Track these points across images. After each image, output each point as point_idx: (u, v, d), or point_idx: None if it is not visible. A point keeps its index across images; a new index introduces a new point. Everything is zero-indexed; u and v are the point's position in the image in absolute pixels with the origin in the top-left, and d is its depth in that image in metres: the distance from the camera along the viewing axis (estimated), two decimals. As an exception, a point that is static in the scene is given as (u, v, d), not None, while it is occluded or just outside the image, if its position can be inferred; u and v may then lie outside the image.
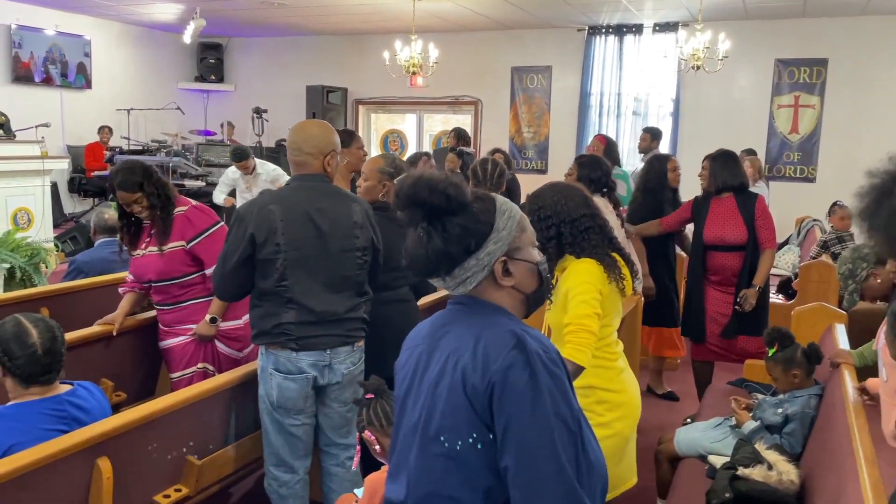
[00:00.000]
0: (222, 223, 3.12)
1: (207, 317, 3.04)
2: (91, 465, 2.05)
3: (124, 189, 2.99)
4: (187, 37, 9.58)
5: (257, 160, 6.22)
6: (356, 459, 2.21)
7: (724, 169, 3.86)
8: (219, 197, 6.75)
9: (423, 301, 3.44)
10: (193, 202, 3.17)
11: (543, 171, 9.90)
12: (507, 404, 1.25)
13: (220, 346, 3.13)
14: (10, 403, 2.02)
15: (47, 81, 9.50)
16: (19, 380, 2.01)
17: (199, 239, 3.05)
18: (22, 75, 9.15)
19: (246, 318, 3.11)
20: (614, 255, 2.62)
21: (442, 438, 1.32)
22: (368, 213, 2.67)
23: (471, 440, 1.29)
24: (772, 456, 2.34)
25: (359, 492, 2.28)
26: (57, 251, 5.94)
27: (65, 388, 2.12)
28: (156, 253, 3.04)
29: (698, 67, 7.01)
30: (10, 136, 6.32)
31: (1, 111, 6.49)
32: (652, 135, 6.75)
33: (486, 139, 10.05)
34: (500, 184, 3.61)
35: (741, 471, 2.24)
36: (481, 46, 10.11)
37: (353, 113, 11.10)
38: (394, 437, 1.50)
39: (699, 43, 6.89)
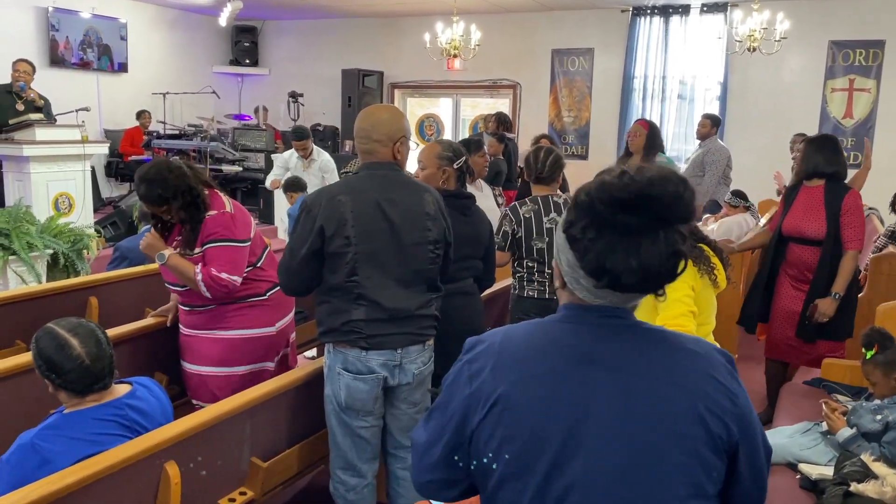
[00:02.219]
0: (243, 244, 2.81)
1: (167, 251, 2.75)
2: (159, 470, 1.95)
3: (146, 202, 2.78)
4: (223, 19, 9.47)
5: (315, 147, 6.05)
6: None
7: (818, 153, 3.55)
8: (269, 180, 6.61)
9: (483, 294, 3.29)
10: (228, 206, 2.84)
11: (584, 157, 9.67)
12: None
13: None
14: (67, 412, 1.90)
15: (84, 65, 9.46)
16: (73, 393, 1.89)
17: (209, 246, 2.75)
18: (59, 59, 9.10)
19: (280, 323, 2.95)
20: (701, 245, 2.46)
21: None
22: (440, 204, 2.52)
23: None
24: (881, 469, 2.16)
25: (435, 501, 2.15)
26: (98, 237, 5.88)
27: (123, 389, 1.99)
28: (187, 255, 2.80)
29: (754, 49, 6.72)
30: (50, 120, 6.26)
31: (41, 95, 6.43)
32: (712, 121, 6.51)
33: (524, 124, 9.83)
34: (556, 173, 3.40)
35: (854, 487, 2.06)
36: (521, 28, 9.86)
37: (389, 97, 10.92)
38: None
39: (756, 23, 6.60)
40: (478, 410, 1.13)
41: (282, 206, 8.37)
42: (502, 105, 10.13)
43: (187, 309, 2.89)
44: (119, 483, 1.83)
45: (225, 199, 2.87)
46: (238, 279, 2.78)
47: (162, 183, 2.68)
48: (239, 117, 10.71)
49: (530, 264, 3.27)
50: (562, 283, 1.19)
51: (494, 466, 1.12)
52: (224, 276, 2.72)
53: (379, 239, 2.34)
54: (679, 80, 9.05)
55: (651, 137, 5.29)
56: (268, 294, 2.92)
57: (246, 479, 2.33)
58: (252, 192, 8.98)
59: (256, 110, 10.64)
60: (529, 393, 1.11)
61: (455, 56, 8.20)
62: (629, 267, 1.07)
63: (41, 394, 2.54)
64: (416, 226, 2.40)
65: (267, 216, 8.59)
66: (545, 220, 3.24)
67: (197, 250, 2.76)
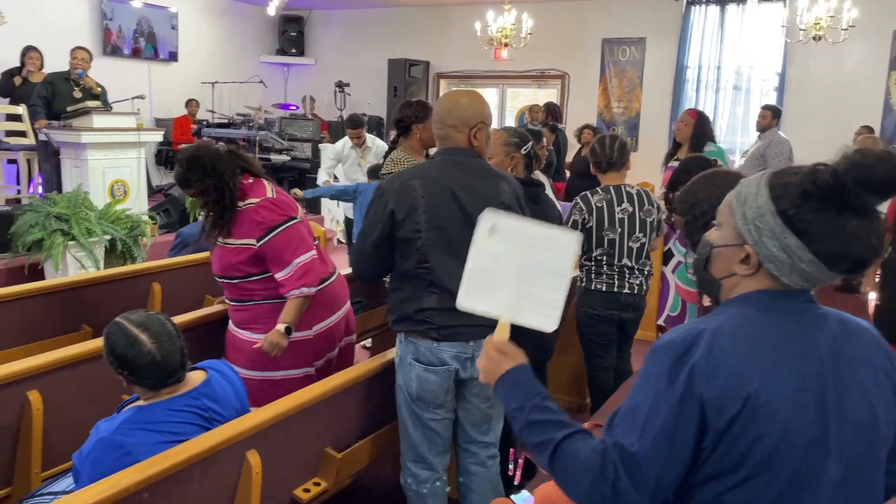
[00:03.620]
0: (296, 220, 2.67)
1: (281, 326, 2.58)
2: (241, 460, 1.92)
3: (178, 184, 2.71)
4: (272, 9, 9.49)
5: (367, 135, 5.98)
6: (518, 475, 2.02)
7: None
8: (322, 176, 6.50)
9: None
10: (269, 192, 2.69)
11: (633, 149, 9.49)
12: None
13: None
14: (143, 404, 1.88)
15: (136, 54, 9.57)
16: (147, 388, 1.86)
17: (268, 238, 2.60)
18: (112, 48, 9.22)
19: (318, 327, 2.76)
20: None
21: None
22: (518, 193, 2.44)
23: None
24: None
25: (518, 499, 2.09)
26: (153, 223, 5.94)
27: (198, 377, 1.96)
28: (222, 245, 2.69)
29: (819, 38, 6.49)
30: (107, 107, 6.33)
31: (98, 83, 6.51)
32: (773, 112, 6.32)
33: (572, 114, 9.68)
34: (625, 158, 3.31)
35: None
36: (570, 17, 9.70)
37: (435, 87, 10.86)
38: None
39: (822, 11, 6.37)
40: (723, 411, 1.08)
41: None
42: (549, 95, 9.99)
43: (231, 304, 2.79)
44: (202, 472, 1.81)
45: (268, 186, 2.71)
46: (314, 252, 2.67)
47: (188, 165, 2.62)
48: (285, 107, 10.75)
49: (599, 256, 3.18)
50: (755, 270, 1.15)
51: (737, 466, 1.09)
52: (306, 257, 2.62)
53: (451, 226, 2.28)
54: (735, 70, 8.82)
55: (699, 127, 5.10)
56: None
57: (319, 469, 2.30)
58: (299, 181, 8.99)
59: (304, 100, 10.66)
60: (779, 389, 1.09)
61: (505, 45, 8.09)
62: (872, 248, 1.07)
63: (111, 380, 2.55)
64: (491, 214, 2.33)
65: (314, 206, 8.60)
66: (617, 209, 3.15)
67: (242, 241, 2.62)
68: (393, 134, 3.85)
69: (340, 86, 10.52)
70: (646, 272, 3.25)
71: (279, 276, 2.61)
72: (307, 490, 2.22)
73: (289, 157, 8.98)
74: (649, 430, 1.10)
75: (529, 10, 8.47)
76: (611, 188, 3.20)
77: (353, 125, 5.77)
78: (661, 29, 9.21)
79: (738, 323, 1.13)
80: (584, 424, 2.94)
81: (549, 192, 5.03)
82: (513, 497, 2.09)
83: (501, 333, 1.40)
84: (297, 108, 10.65)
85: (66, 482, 2.01)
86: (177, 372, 1.87)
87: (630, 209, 3.17)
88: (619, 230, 3.13)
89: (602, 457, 1.13)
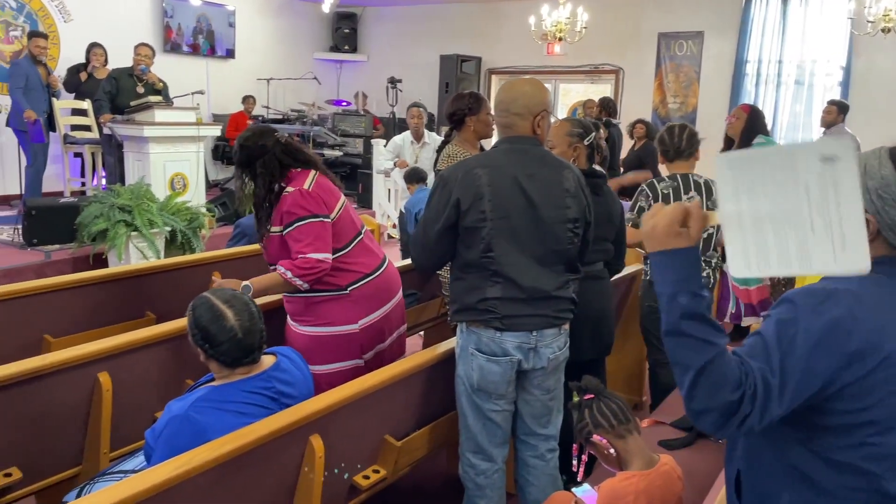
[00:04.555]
0: (319, 218, 2.57)
1: (245, 282, 2.54)
2: (305, 443, 1.93)
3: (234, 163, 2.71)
4: (326, 6, 9.58)
5: (426, 130, 5.99)
6: (581, 471, 1.99)
7: None
8: (383, 165, 6.54)
9: (614, 279, 3.16)
10: (307, 183, 2.61)
11: (690, 145, 9.29)
12: None
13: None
14: (218, 384, 1.91)
15: (194, 51, 9.78)
16: (223, 364, 1.89)
17: (289, 229, 2.56)
18: (172, 45, 9.45)
19: (364, 321, 2.65)
20: None
21: None
22: (581, 182, 2.40)
23: None
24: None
25: (579, 491, 2.06)
26: (211, 216, 6.06)
27: (269, 360, 1.99)
28: (269, 234, 2.65)
29: (889, 30, 6.25)
30: (168, 102, 6.49)
31: (160, 78, 6.67)
32: (839, 108, 6.13)
33: (626, 110, 9.52)
34: (695, 147, 3.26)
35: None
36: (626, 11, 9.56)
37: (486, 82, 10.83)
38: None
39: (892, 2, 6.14)
40: (860, 365, 1.20)
41: (380, 192, 8.44)
42: (602, 91, 9.84)
43: (285, 295, 2.76)
44: (269, 453, 1.82)
45: (310, 177, 2.65)
46: (327, 255, 2.56)
47: (238, 148, 2.64)
48: (337, 103, 10.86)
49: (665, 248, 3.12)
50: (872, 238, 1.21)
51: (869, 420, 1.22)
52: (311, 255, 2.51)
53: (516, 215, 2.25)
54: (797, 64, 8.55)
55: (751, 121, 4.94)
56: (349, 289, 2.63)
57: (378, 457, 2.30)
58: (351, 176, 9.07)
59: (356, 96, 10.75)
60: None
61: (560, 39, 8.01)
62: None
63: (175, 365, 2.61)
64: (556, 203, 2.30)
65: (365, 201, 8.66)
66: (684, 198, 3.10)
67: (276, 229, 2.60)
68: (444, 130, 3.83)
69: (392, 82, 10.57)
70: (713, 264, 3.19)
71: (285, 262, 2.55)
72: (367, 477, 2.22)
73: (341, 153, 9.07)
74: (788, 370, 1.19)
75: (585, 4, 8.37)
76: (678, 176, 3.18)
77: (416, 104, 5.84)
78: (719, 23, 8.99)
79: (868, 285, 1.23)
80: (643, 422, 2.89)
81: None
82: (574, 489, 2.07)
83: (710, 220, 1.25)
84: (350, 104, 10.74)
85: (136, 461, 2.05)
86: (253, 352, 1.90)
87: (697, 198, 3.12)
88: None
89: (746, 379, 1.19)
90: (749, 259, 1.13)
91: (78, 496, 1.99)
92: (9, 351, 2.62)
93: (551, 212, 2.29)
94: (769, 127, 5.33)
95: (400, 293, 2.90)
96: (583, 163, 2.88)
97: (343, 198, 2.76)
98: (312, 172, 2.68)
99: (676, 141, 3.20)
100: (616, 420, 1.94)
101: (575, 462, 2.01)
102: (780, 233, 1.11)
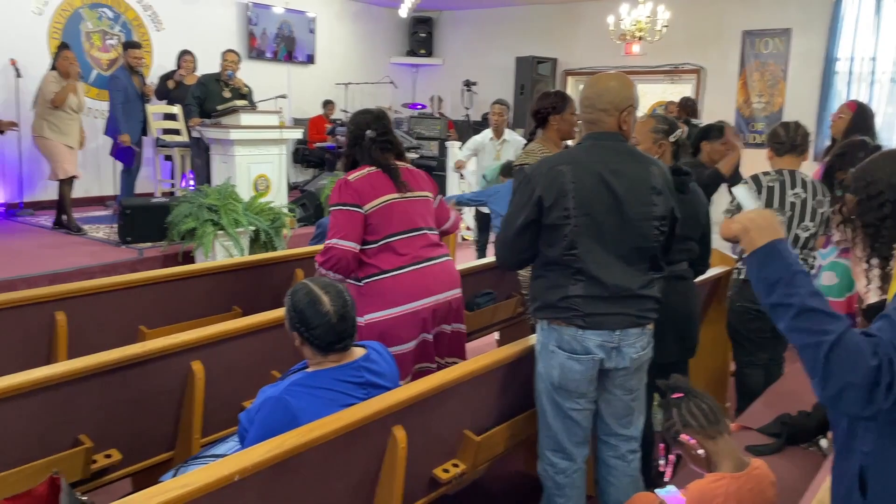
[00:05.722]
0: (348, 207, 2.65)
1: None
2: (388, 434, 1.96)
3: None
4: (403, 11, 9.71)
5: (506, 129, 6.02)
6: (669, 471, 1.95)
7: None
8: (458, 154, 6.72)
9: (699, 280, 3.08)
10: (355, 174, 2.72)
11: (774, 146, 8.96)
12: None
13: None
14: (311, 370, 1.96)
15: (276, 56, 10.08)
16: (317, 349, 1.94)
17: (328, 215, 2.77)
18: (255, 51, 9.76)
19: (370, 317, 2.63)
20: None
21: None
22: (667, 179, 2.36)
23: None
24: None
25: (662, 492, 2.01)
26: (292, 216, 6.23)
27: (360, 351, 2.04)
28: None
29: None
30: (253, 106, 6.71)
31: (245, 83, 6.91)
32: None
33: (707, 110, 9.26)
34: (807, 143, 3.21)
35: None
36: (709, 9, 9.30)
37: (562, 84, 10.74)
38: None
39: None
40: None
41: (454, 194, 8.47)
42: (682, 91, 9.58)
43: None
44: (353, 442, 1.86)
45: (366, 168, 2.73)
46: (347, 244, 2.62)
47: (349, 123, 2.88)
48: (413, 106, 10.98)
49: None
50: None
51: None
52: (332, 241, 2.65)
53: (601, 212, 2.22)
54: (893, 61, 8.13)
55: (859, 119, 4.70)
56: (363, 282, 2.69)
57: (457, 451, 2.31)
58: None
59: (431, 99, 10.86)
60: None
61: (639, 39, 7.87)
62: None
63: (263, 356, 2.70)
64: (642, 200, 2.26)
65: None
66: (790, 192, 3.07)
67: None
68: (520, 131, 3.83)
69: (468, 85, 10.63)
70: (810, 264, 3.10)
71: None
72: (446, 471, 2.24)
73: (417, 155, 9.16)
74: None
75: (667, 3, 8.20)
76: (784, 171, 3.16)
77: (500, 101, 5.91)
78: (807, 19, 8.65)
79: None
80: (731, 426, 2.80)
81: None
82: (657, 491, 2.02)
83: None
84: (426, 107, 10.85)
85: (227, 445, 2.13)
86: (345, 339, 1.94)
87: (803, 195, 3.10)
88: (789, 213, 3.02)
89: (880, 348, 1.17)
90: None
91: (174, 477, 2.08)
92: (109, 339, 2.76)
93: (637, 209, 2.25)
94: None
95: (441, 297, 2.77)
96: (668, 160, 2.82)
97: (390, 196, 2.72)
98: (368, 167, 2.75)
99: (792, 135, 3.20)
100: (707, 420, 1.89)
101: (662, 462, 1.97)
102: None
